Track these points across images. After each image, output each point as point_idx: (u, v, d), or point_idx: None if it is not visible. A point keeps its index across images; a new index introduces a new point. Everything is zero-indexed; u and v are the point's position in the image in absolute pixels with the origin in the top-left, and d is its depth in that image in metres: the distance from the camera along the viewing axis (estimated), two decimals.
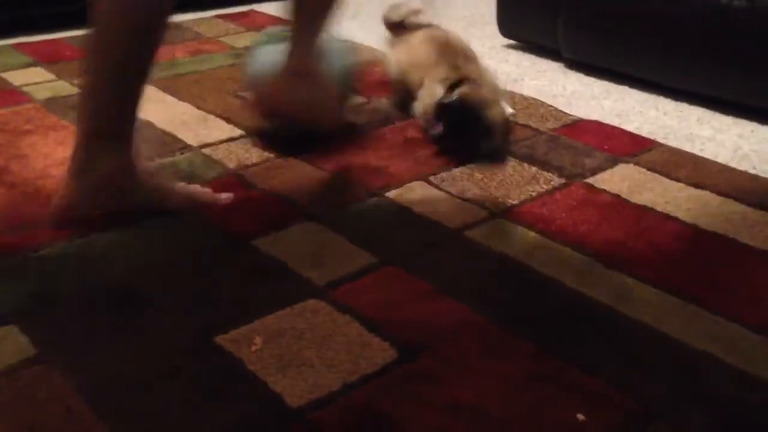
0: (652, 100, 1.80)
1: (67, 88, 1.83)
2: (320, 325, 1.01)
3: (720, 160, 1.50)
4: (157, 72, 1.92)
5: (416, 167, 1.43)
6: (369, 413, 0.88)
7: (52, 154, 1.49)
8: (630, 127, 1.64)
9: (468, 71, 1.51)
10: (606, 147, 1.53)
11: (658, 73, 1.81)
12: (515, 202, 1.33)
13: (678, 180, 1.40)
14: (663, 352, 0.98)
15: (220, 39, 2.25)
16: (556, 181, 1.40)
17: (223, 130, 1.60)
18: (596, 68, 1.95)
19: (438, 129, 1.44)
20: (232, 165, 1.45)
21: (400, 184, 1.38)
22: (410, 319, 1.03)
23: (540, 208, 1.31)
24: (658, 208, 1.31)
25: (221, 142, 1.55)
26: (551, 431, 0.86)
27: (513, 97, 1.76)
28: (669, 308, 1.06)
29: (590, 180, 1.40)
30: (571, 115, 1.70)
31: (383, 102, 1.73)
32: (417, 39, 1.61)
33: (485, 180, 1.40)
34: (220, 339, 0.99)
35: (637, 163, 1.47)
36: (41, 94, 1.80)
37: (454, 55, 1.56)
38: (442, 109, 1.44)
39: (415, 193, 1.36)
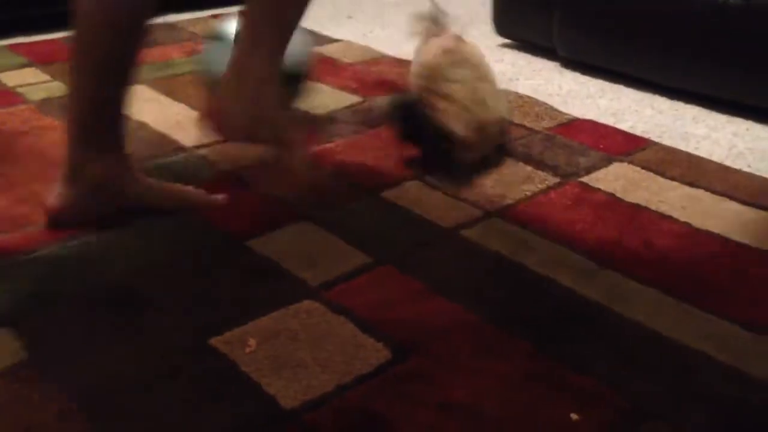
0: (648, 99, 1.80)
1: (62, 89, 1.83)
2: (314, 326, 1.02)
3: (715, 158, 1.50)
4: (152, 72, 1.92)
5: (410, 167, 1.43)
6: (363, 414, 0.88)
7: (46, 156, 1.49)
8: (625, 126, 1.64)
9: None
10: (601, 146, 1.53)
11: (654, 72, 1.82)
12: (510, 201, 1.33)
13: (672, 179, 1.40)
14: (657, 351, 0.98)
15: None
16: (551, 180, 1.40)
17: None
18: (592, 67, 1.96)
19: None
20: (227, 166, 1.45)
21: (394, 183, 1.38)
22: (404, 319, 1.03)
23: (535, 207, 1.31)
24: (653, 207, 1.31)
25: (216, 142, 1.55)
26: (545, 430, 0.86)
27: (508, 96, 1.76)
28: (663, 307, 1.06)
29: (585, 179, 1.41)
30: (566, 114, 1.70)
31: (379, 101, 1.73)
32: (429, 47, 1.56)
33: (480, 179, 1.40)
34: (214, 341, 0.99)
35: (631, 162, 1.47)
36: (36, 95, 1.80)
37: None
38: (393, 108, 1.42)
39: (409, 192, 1.36)
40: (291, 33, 1.16)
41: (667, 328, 1.01)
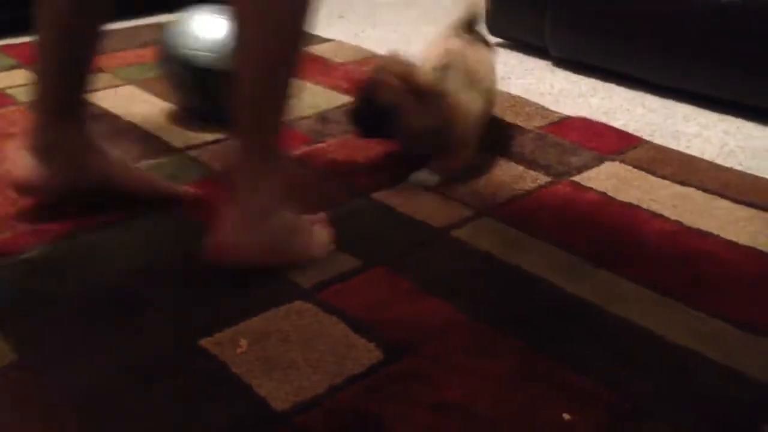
0: (639, 98, 1.81)
1: None
2: (306, 326, 1.01)
3: (706, 156, 1.50)
4: (142, 73, 1.92)
5: (402, 167, 1.43)
6: (355, 415, 0.87)
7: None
8: (617, 125, 1.65)
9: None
10: (592, 145, 1.53)
11: (645, 71, 1.82)
12: (502, 200, 1.33)
13: (664, 177, 1.41)
14: (650, 350, 0.98)
15: None
16: (543, 179, 1.40)
17: (208, 131, 1.60)
18: (583, 66, 1.96)
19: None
20: (217, 166, 1.45)
21: (386, 183, 1.38)
22: (397, 320, 1.03)
23: (526, 206, 1.31)
24: (644, 206, 1.31)
25: (206, 143, 1.54)
26: (537, 429, 0.86)
27: (500, 95, 1.76)
28: (655, 305, 1.06)
29: (577, 178, 1.41)
30: (557, 113, 1.70)
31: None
32: (435, 47, 1.52)
33: (471, 179, 1.39)
34: (204, 341, 0.98)
35: (623, 161, 1.47)
36: (26, 96, 1.79)
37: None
38: (350, 115, 1.40)
39: (401, 192, 1.35)
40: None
41: (660, 326, 1.01)
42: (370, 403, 0.89)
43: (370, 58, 2.07)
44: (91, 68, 1.22)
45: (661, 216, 1.28)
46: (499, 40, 2.20)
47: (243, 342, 0.98)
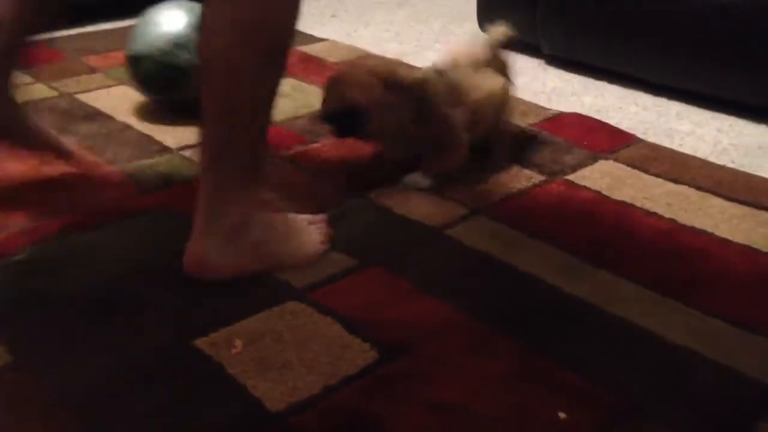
0: (632, 96, 1.81)
1: (44, 90, 1.82)
2: (300, 327, 1.01)
3: (699, 154, 1.50)
4: None
5: (397, 167, 1.42)
6: (350, 416, 0.87)
7: (28, 159, 1.47)
8: (610, 123, 1.64)
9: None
10: (586, 143, 1.53)
11: (638, 69, 1.82)
12: (496, 199, 1.33)
13: (657, 175, 1.41)
14: (645, 348, 0.98)
15: None
16: (537, 178, 1.40)
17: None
18: (576, 64, 1.96)
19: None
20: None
21: (380, 183, 1.38)
22: (392, 319, 1.03)
23: (521, 205, 1.31)
24: (638, 204, 1.31)
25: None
26: (535, 429, 0.86)
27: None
28: (650, 304, 1.06)
29: (571, 177, 1.41)
30: (550, 110, 1.70)
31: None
32: (454, 52, 1.48)
33: (466, 178, 1.39)
34: (199, 342, 0.98)
35: (616, 159, 1.47)
36: (18, 97, 1.78)
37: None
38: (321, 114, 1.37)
39: (395, 192, 1.35)
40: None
41: (655, 325, 1.01)
42: (365, 403, 0.89)
43: (364, 57, 2.06)
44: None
45: (655, 214, 1.28)
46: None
47: (238, 342, 0.98)
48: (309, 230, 1.17)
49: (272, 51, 1.03)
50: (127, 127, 1.62)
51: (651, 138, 1.57)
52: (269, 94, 1.05)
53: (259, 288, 1.09)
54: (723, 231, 1.23)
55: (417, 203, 1.32)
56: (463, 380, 0.92)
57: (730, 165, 1.46)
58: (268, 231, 1.12)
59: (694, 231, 1.23)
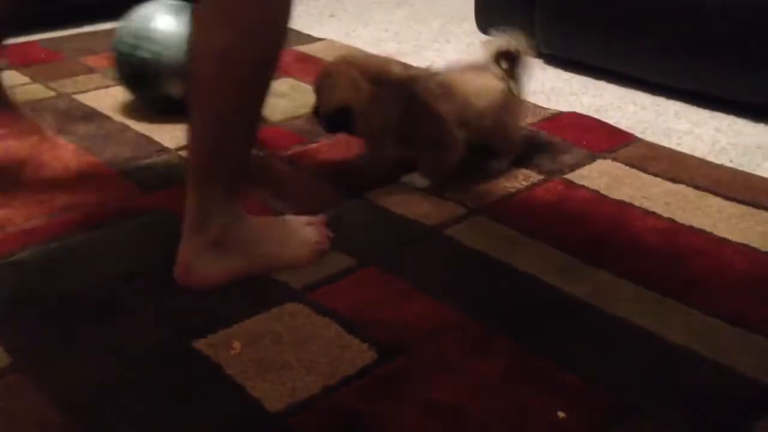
0: (630, 95, 1.81)
1: (41, 91, 1.81)
2: (299, 328, 1.01)
3: (698, 153, 1.50)
4: None
5: (394, 167, 1.42)
6: (349, 416, 0.87)
7: (26, 160, 1.47)
8: (608, 123, 1.64)
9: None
10: (584, 142, 1.53)
11: (636, 68, 1.82)
12: (494, 198, 1.33)
13: (656, 175, 1.41)
14: (643, 347, 0.98)
15: None
16: (535, 177, 1.40)
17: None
18: (574, 63, 1.96)
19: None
20: None
21: (378, 183, 1.38)
22: (390, 319, 1.03)
23: (519, 204, 1.31)
24: (636, 203, 1.31)
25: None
26: (534, 429, 0.86)
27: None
28: (648, 303, 1.06)
29: (569, 176, 1.41)
30: (548, 110, 1.70)
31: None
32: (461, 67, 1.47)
33: (464, 177, 1.39)
34: (198, 343, 0.98)
35: (615, 159, 1.47)
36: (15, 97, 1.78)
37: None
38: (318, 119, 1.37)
39: (393, 192, 1.35)
40: None
41: (654, 324, 1.01)
42: (364, 403, 0.89)
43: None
44: None
45: (653, 213, 1.28)
46: (489, 38, 2.19)
47: (236, 344, 0.98)
48: (305, 231, 1.17)
49: (263, 56, 1.01)
50: (126, 127, 1.62)
51: (649, 137, 1.58)
52: (258, 101, 1.04)
53: (257, 289, 1.09)
54: (721, 230, 1.23)
55: (415, 203, 1.32)
56: (462, 380, 0.92)
57: (729, 164, 1.46)
58: (257, 232, 1.12)
59: (692, 230, 1.23)
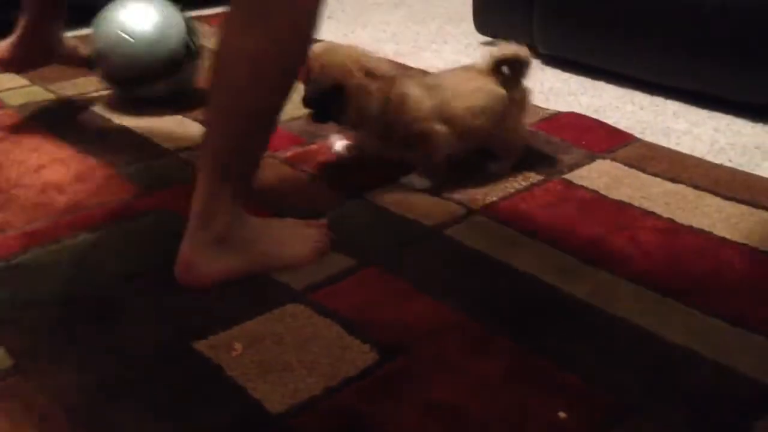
0: (629, 95, 1.81)
1: (41, 93, 1.81)
2: (300, 329, 1.01)
3: (696, 153, 1.50)
4: None
5: (394, 167, 1.43)
6: (351, 417, 0.87)
7: (26, 162, 1.47)
8: (607, 123, 1.65)
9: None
10: (583, 143, 1.54)
11: (635, 68, 1.82)
12: (494, 199, 1.33)
13: (655, 175, 1.41)
14: (643, 347, 0.98)
15: None
16: (535, 177, 1.40)
17: (198, 133, 1.59)
18: (572, 64, 1.96)
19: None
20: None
21: (377, 184, 1.38)
22: (390, 320, 1.03)
23: (518, 204, 1.31)
24: (636, 203, 1.31)
25: (197, 146, 1.53)
26: (534, 429, 0.86)
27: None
28: (648, 303, 1.06)
29: (568, 176, 1.41)
30: (547, 110, 1.70)
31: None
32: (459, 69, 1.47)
33: (463, 177, 1.39)
34: (199, 345, 0.98)
35: (614, 159, 1.47)
36: (14, 100, 1.78)
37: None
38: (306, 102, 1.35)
39: (392, 193, 1.35)
40: None
41: (653, 324, 1.02)
42: (365, 404, 0.89)
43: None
44: None
45: (653, 213, 1.28)
46: (487, 38, 2.20)
47: (237, 345, 0.98)
48: (305, 232, 1.18)
49: (293, 58, 1.05)
50: (125, 129, 1.62)
51: (648, 137, 1.58)
52: (283, 102, 1.06)
53: (258, 290, 1.09)
54: (721, 230, 1.23)
55: (415, 203, 1.32)
56: (463, 380, 0.92)
57: (728, 164, 1.46)
58: (258, 232, 1.12)
59: (691, 230, 1.23)
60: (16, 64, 1.64)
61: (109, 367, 0.95)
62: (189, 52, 1.68)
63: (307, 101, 1.32)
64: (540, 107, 1.72)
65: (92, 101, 1.77)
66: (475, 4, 2.14)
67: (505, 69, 1.40)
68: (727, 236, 1.21)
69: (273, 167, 1.45)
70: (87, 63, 1.73)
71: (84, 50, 1.73)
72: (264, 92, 1.03)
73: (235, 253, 1.09)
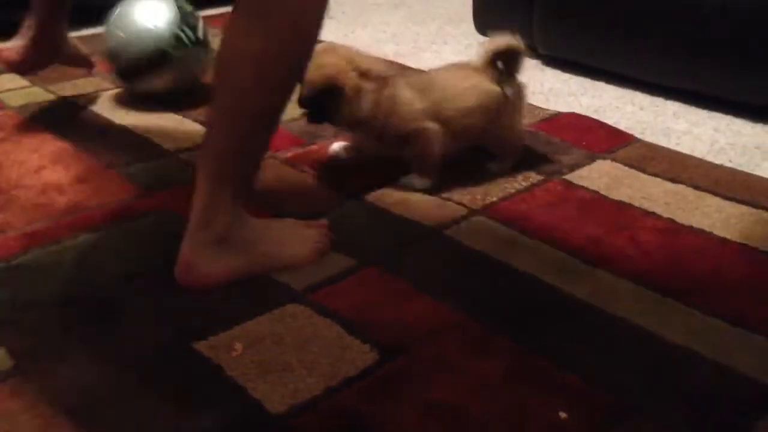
0: (629, 96, 1.81)
1: (41, 94, 1.82)
2: (300, 329, 1.01)
3: (696, 153, 1.50)
4: None
5: (393, 167, 1.43)
6: (351, 417, 0.87)
7: (26, 163, 1.47)
8: (607, 123, 1.65)
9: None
10: (583, 143, 1.54)
11: (635, 68, 1.82)
12: (494, 199, 1.33)
13: (655, 175, 1.41)
14: (643, 347, 0.98)
15: None
16: (535, 177, 1.40)
17: (199, 133, 1.59)
18: (572, 64, 1.96)
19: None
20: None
21: (377, 185, 1.38)
22: (390, 320, 1.03)
23: (518, 205, 1.31)
24: (636, 204, 1.31)
25: (198, 146, 1.53)
26: (534, 429, 0.86)
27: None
28: (649, 303, 1.06)
29: (568, 176, 1.41)
30: (547, 110, 1.70)
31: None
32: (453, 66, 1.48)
33: (463, 178, 1.39)
34: (199, 345, 0.98)
35: (614, 159, 1.47)
36: (15, 101, 1.78)
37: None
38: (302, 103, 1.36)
39: (392, 193, 1.35)
40: None
41: (653, 324, 1.02)
42: (365, 404, 0.89)
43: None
44: None
45: (653, 214, 1.28)
46: (487, 39, 2.19)
47: (238, 345, 0.98)
48: (305, 233, 1.18)
49: (297, 59, 1.06)
50: (126, 129, 1.62)
51: (648, 138, 1.58)
52: (285, 103, 1.07)
53: (258, 290, 1.09)
54: (721, 230, 1.23)
55: (415, 204, 1.32)
56: (463, 380, 0.92)
57: (728, 164, 1.46)
58: (258, 232, 1.13)
59: (692, 230, 1.23)
60: (29, 65, 1.65)
61: (110, 368, 0.95)
62: (180, 43, 1.68)
63: (302, 101, 1.33)
64: (540, 108, 1.72)
65: (92, 102, 1.77)
66: (475, 5, 2.14)
67: (499, 64, 1.39)
68: (727, 236, 1.21)
69: (274, 168, 1.45)
70: (88, 62, 1.76)
71: (84, 50, 1.75)
72: (267, 93, 1.04)
73: (235, 253, 1.09)
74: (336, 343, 0.98)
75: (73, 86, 1.85)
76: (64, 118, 1.69)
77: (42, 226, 1.25)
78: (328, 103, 1.30)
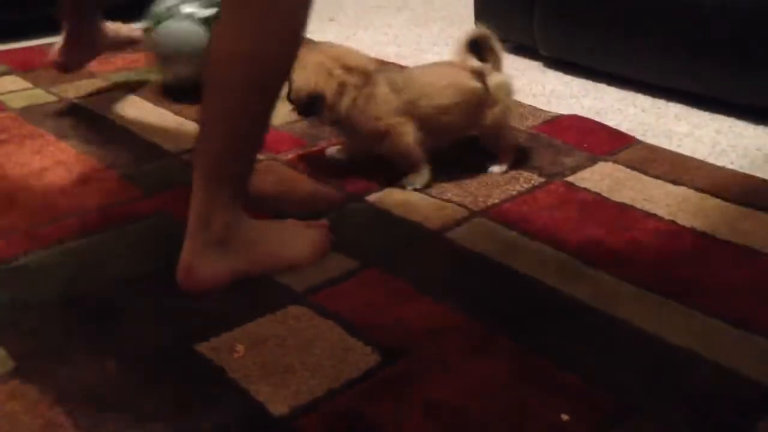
0: (630, 98, 1.81)
1: (43, 96, 1.82)
2: (302, 331, 1.01)
3: (698, 155, 1.50)
4: (135, 78, 1.91)
5: (394, 168, 1.43)
6: (353, 419, 0.87)
7: (28, 164, 1.48)
8: (609, 125, 1.65)
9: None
10: (585, 145, 1.54)
11: (636, 70, 1.82)
12: (495, 201, 1.33)
13: (657, 177, 1.41)
14: (644, 349, 0.98)
15: None
16: (536, 179, 1.40)
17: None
18: (574, 66, 1.96)
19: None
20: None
21: (378, 186, 1.38)
22: (392, 322, 1.03)
23: (520, 207, 1.31)
24: (638, 206, 1.31)
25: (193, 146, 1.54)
26: (532, 429, 0.86)
27: None
28: (650, 305, 1.06)
29: (570, 178, 1.41)
30: (549, 112, 1.70)
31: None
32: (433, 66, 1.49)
33: (465, 180, 1.40)
34: (201, 347, 0.98)
35: (616, 161, 1.47)
36: (17, 102, 1.78)
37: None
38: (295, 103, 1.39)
39: (395, 195, 1.36)
40: None
41: (655, 326, 1.02)
42: (368, 406, 0.89)
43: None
44: None
45: (655, 216, 1.28)
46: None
47: (240, 347, 0.98)
48: (306, 234, 1.18)
49: (285, 59, 1.06)
50: (127, 131, 1.62)
51: (650, 139, 1.58)
52: (274, 103, 1.07)
53: (260, 292, 1.09)
54: (723, 232, 1.23)
55: (416, 206, 1.32)
56: (463, 381, 0.92)
57: (730, 166, 1.46)
58: (258, 233, 1.13)
59: (694, 232, 1.23)
60: (71, 63, 1.70)
61: (110, 369, 0.95)
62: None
63: (289, 97, 1.35)
64: (542, 110, 1.72)
65: (94, 103, 1.77)
66: (477, 7, 2.14)
67: (475, 60, 1.38)
68: (729, 238, 1.21)
69: (274, 169, 1.45)
70: (133, 41, 1.82)
71: (126, 30, 1.80)
72: (257, 93, 1.04)
73: (235, 254, 1.09)
74: (338, 345, 0.98)
75: (75, 88, 1.86)
76: (65, 120, 1.69)
77: (44, 228, 1.25)
78: (314, 100, 1.33)
